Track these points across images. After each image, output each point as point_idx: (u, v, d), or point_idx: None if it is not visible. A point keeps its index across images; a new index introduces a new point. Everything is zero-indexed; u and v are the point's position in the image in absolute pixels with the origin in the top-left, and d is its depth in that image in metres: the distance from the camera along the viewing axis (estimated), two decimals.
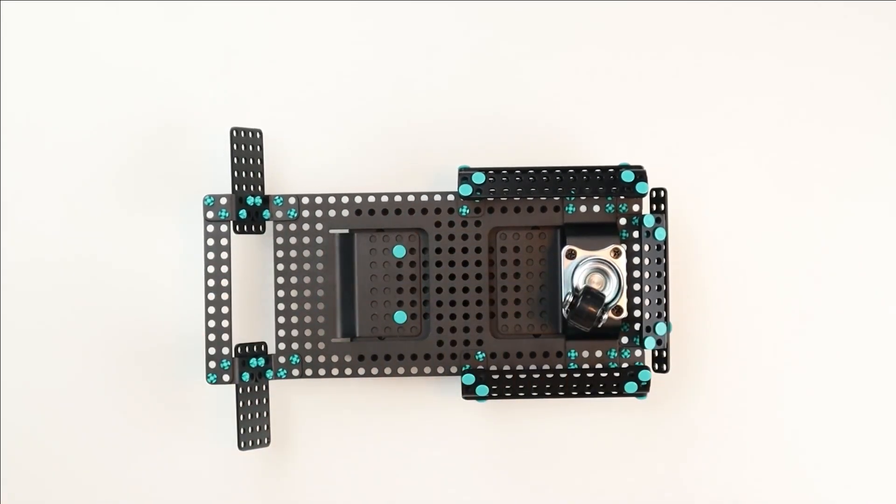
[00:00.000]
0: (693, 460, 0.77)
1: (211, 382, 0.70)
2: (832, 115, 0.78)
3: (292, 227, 0.73)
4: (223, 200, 0.71)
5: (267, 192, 0.74)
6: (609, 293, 0.71)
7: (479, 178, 0.71)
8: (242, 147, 0.72)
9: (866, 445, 0.77)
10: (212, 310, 0.71)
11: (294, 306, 0.73)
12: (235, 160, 0.71)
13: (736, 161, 0.78)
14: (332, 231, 0.73)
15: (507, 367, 0.73)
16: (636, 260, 0.73)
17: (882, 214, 0.78)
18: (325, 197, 0.73)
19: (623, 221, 0.73)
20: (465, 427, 0.77)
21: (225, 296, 0.71)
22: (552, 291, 0.73)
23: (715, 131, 0.78)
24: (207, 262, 0.71)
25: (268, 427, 0.73)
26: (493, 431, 0.77)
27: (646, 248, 0.72)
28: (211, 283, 0.71)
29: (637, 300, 0.73)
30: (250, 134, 0.73)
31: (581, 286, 0.71)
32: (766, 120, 0.78)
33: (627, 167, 0.72)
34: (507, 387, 0.71)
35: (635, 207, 0.73)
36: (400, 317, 0.73)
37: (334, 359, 0.73)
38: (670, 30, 0.78)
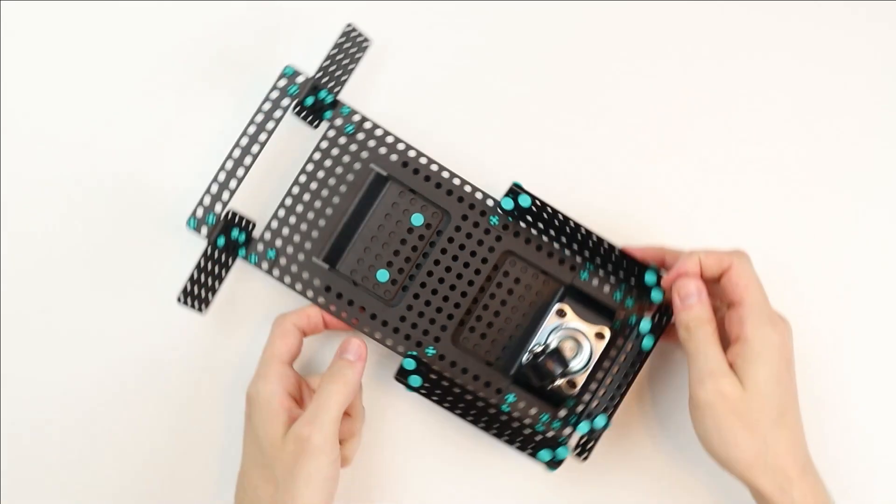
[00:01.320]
0: None
1: (190, 227, 0.69)
2: (835, 115, 0.78)
3: (342, 140, 0.73)
4: (299, 78, 0.71)
5: (340, 98, 0.74)
6: (574, 365, 0.71)
7: (524, 201, 0.71)
8: (347, 45, 0.72)
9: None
10: (229, 164, 0.70)
11: (299, 209, 0.73)
12: (335, 52, 0.71)
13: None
14: (372, 166, 0.73)
15: (447, 375, 0.73)
16: (614, 353, 0.73)
17: (884, 215, 0.78)
18: (385, 133, 0.73)
19: (623, 314, 0.73)
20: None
21: (248, 160, 0.70)
22: (524, 335, 0.73)
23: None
24: (251, 123, 0.70)
25: (211, 296, 0.72)
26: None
27: (629, 347, 0.72)
28: (244, 141, 0.70)
29: (594, 386, 0.73)
30: (361, 38, 0.73)
31: (553, 345, 0.71)
32: (767, 118, 0.79)
33: (653, 269, 0.72)
34: (438, 391, 0.71)
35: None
36: (382, 275, 0.73)
37: (305, 275, 0.72)
38: (670, 30, 0.79)
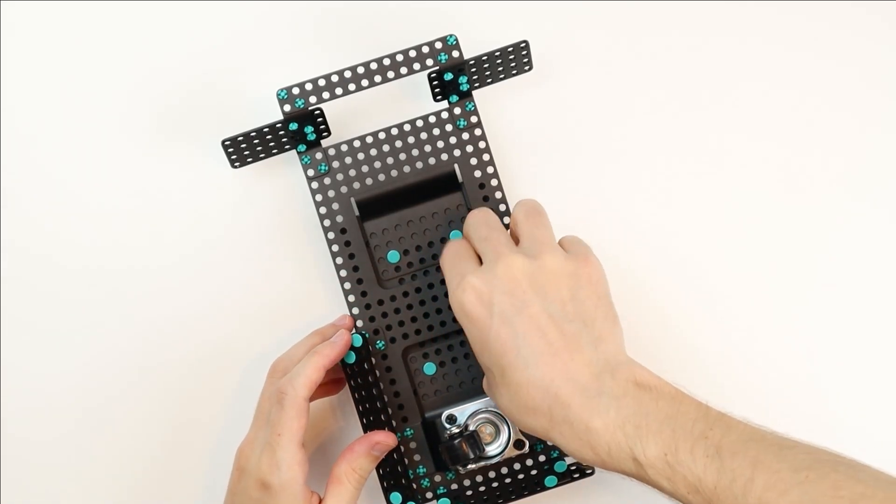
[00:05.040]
0: None
1: (279, 96, 0.70)
2: (837, 113, 0.77)
3: (449, 127, 0.73)
4: (455, 52, 0.71)
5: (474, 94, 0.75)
6: (490, 450, 0.70)
7: None
8: (511, 56, 0.72)
9: None
10: (348, 74, 0.71)
11: (373, 152, 0.73)
12: (497, 55, 0.71)
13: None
14: (455, 167, 0.73)
15: (377, 374, 0.72)
16: (518, 466, 0.72)
17: (884, 215, 0.77)
18: (486, 150, 0.73)
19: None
20: None
21: (365, 83, 0.71)
22: (464, 394, 0.73)
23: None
24: (391, 57, 0.71)
25: (250, 160, 0.73)
26: None
27: (532, 472, 0.72)
28: (374, 66, 0.71)
29: (479, 478, 0.72)
30: (526, 60, 0.73)
31: (471, 428, 0.70)
32: (768, 115, 0.78)
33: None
34: (359, 380, 0.71)
35: None
36: (394, 256, 0.73)
37: (335, 206, 0.72)
38: (671, 18, 0.78)
